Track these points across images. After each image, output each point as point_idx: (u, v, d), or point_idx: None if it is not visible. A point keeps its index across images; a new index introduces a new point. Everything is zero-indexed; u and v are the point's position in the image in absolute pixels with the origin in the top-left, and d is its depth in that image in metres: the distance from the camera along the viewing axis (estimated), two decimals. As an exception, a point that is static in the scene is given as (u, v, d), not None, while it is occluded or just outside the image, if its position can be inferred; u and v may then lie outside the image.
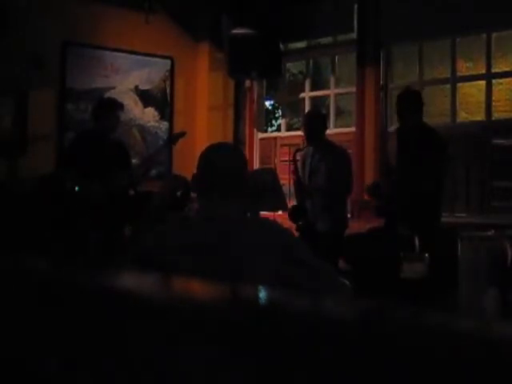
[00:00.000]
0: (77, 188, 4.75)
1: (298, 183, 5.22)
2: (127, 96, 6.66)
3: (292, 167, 5.40)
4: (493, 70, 5.89)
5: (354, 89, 6.65)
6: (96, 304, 0.61)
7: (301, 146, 5.61)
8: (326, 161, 5.10)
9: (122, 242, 4.58)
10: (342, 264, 4.71)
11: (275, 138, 7.64)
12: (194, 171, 2.15)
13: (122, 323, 0.57)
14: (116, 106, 5.15)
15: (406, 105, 4.66)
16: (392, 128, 6.28)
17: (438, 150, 4.56)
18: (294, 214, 5.17)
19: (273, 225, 2.15)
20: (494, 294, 3.20)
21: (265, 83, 7.64)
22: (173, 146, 5.58)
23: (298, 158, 5.31)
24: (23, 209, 5.11)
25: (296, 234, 5.09)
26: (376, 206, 4.96)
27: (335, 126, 7.05)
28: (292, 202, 5.55)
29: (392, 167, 4.90)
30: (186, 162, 5.72)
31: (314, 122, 5.17)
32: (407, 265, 2.95)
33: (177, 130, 7.14)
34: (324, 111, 6.83)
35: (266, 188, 5.00)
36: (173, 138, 5.45)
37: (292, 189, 6.39)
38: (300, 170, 5.26)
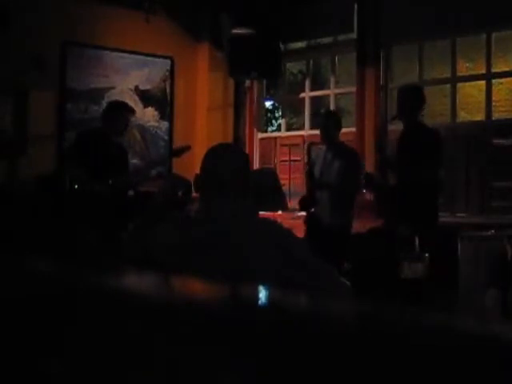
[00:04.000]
0: (76, 186, 4.75)
1: (310, 175, 5.28)
2: (127, 96, 6.66)
3: (305, 159, 5.46)
4: (493, 70, 5.89)
5: (354, 89, 6.65)
6: (96, 304, 0.61)
7: (315, 140, 5.67)
8: (337, 161, 5.17)
9: (122, 242, 4.58)
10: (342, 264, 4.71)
11: (275, 138, 7.64)
12: (195, 171, 2.15)
13: (122, 323, 0.57)
14: (124, 109, 5.14)
15: (410, 102, 4.64)
16: (392, 127, 6.28)
17: (438, 150, 4.56)
18: (304, 203, 5.24)
19: (273, 225, 2.15)
20: (494, 293, 3.20)
21: (265, 83, 7.63)
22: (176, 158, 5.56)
23: (312, 153, 5.37)
24: (23, 209, 5.11)
25: (303, 226, 5.14)
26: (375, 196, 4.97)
27: (335, 126, 7.05)
28: (292, 202, 5.57)
29: (390, 159, 4.88)
30: (186, 162, 5.72)
31: (329, 122, 5.27)
32: (407, 265, 2.95)
33: (177, 129, 7.15)
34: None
35: (266, 188, 5.01)
36: (176, 151, 5.41)
37: (292, 189, 6.39)
38: (312, 166, 5.32)
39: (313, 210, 5.19)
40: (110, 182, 4.86)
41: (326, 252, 2.13)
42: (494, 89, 5.92)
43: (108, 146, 5.02)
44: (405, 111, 4.64)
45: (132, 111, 5.29)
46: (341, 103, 7.86)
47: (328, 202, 5.13)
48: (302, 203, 5.29)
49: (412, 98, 4.65)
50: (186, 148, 5.19)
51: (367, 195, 5.60)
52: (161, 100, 7.07)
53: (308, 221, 5.22)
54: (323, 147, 5.32)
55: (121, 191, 4.97)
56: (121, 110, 5.11)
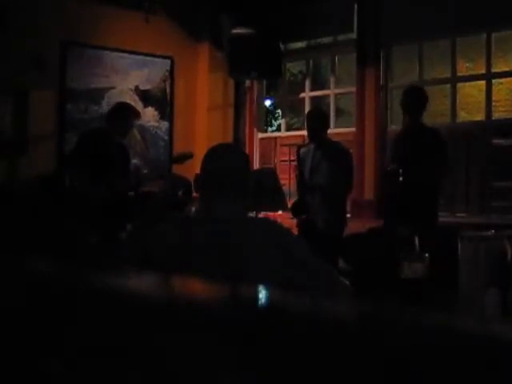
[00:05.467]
0: (76, 187, 4.74)
1: (300, 179, 5.25)
2: (127, 96, 6.66)
3: (295, 163, 5.45)
4: (493, 70, 5.89)
5: (354, 89, 6.65)
6: (96, 304, 0.61)
7: (304, 143, 5.65)
8: (326, 159, 5.13)
9: (122, 242, 4.58)
10: (342, 264, 4.71)
11: (275, 138, 7.64)
12: (195, 171, 2.16)
13: (122, 323, 0.57)
14: (131, 112, 5.11)
15: (414, 103, 4.66)
16: (392, 127, 6.28)
17: (440, 150, 4.57)
18: (296, 209, 5.21)
19: (273, 225, 2.15)
20: (494, 293, 3.20)
21: (265, 83, 7.63)
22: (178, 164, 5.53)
23: (301, 154, 5.34)
24: (23, 209, 5.11)
25: (296, 230, 5.13)
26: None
27: (335, 126, 7.05)
28: (292, 202, 5.56)
29: (394, 168, 4.87)
30: (186, 162, 5.72)
31: (316, 121, 5.22)
32: (407, 265, 2.95)
33: (177, 129, 7.14)
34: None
35: (266, 188, 5.01)
36: (177, 158, 5.39)
37: (292, 189, 6.38)
38: (302, 167, 5.29)
39: (303, 217, 5.15)
40: (119, 183, 4.86)
41: (321, 254, 2.13)
42: (494, 89, 5.92)
43: (110, 146, 5.00)
44: (409, 111, 4.66)
45: (138, 115, 5.28)
46: (341, 103, 7.86)
47: (319, 203, 5.10)
48: (294, 209, 5.25)
49: (418, 98, 4.67)
50: (188, 155, 5.16)
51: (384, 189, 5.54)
52: (161, 100, 7.07)
53: (300, 225, 5.18)
54: (311, 146, 5.30)
55: (121, 193, 4.96)
56: (128, 112, 5.09)
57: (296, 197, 5.49)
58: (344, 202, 5.28)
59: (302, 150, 5.36)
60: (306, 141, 5.55)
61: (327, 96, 7.27)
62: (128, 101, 6.14)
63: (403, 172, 4.61)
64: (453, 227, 5.13)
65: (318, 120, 5.24)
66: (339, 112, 7.67)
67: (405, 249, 3.07)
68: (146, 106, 6.92)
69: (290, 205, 5.44)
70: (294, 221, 5.30)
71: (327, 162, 5.13)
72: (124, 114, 5.05)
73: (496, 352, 0.45)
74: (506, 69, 5.92)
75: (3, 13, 5.96)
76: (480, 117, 6.05)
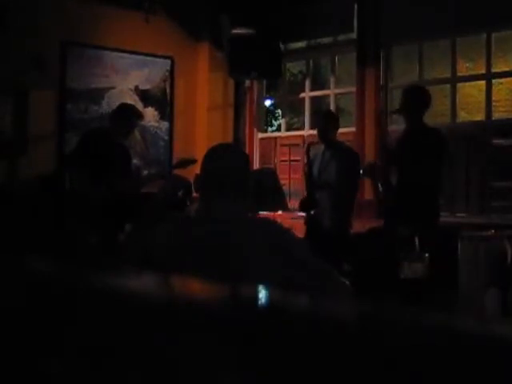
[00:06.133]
0: (76, 188, 4.75)
1: (309, 176, 5.30)
2: (127, 96, 6.66)
3: (304, 160, 5.50)
4: (493, 70, 5.89)
5: (354, 89, 6.65)
6: (96, 304, 0.61)
7: (305, 142, 5.69)
8: (335, 160, 5.18)
9: (121, 243, 4.58)
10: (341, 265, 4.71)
11: (275, 138, 7.64)
12: (195, 171, 2.16)
13: (122, 323, 0.57)
14: (135, 114, 5.12)
15: (414, 103, 4.65)
16: (393, 127, 6.28)
17: (440, 150, 4.56)
18: (305, 205, 5.26)
19: (273, 225, 2.15)
20: (494, 293, 3.20)
21: (265, 83, 7.63)
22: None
23: (310, 153, 5.39)
24: (23, 209, 5.11)
25: (303, 228, 5.16)
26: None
27: (335, 126, 7.05)
28: (292, 202, 5.58)
29: (391, 154, 4.86)
30: (188, 167, 5.71)
31: (323, 121, 5.28)
32: (407, 265, 2.95)
33: (177, 129, 7.14)
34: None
35: (266, 188, 5.01)
36: (178, 164, 5.39)
37: (292, 189, 6.39)
38: (311, 166, 5.33)
39: (312, 212, 5.21)
40: (111, 184, 4.86)
41: (326, 253, 2.13)
42: (494, 89, 5.92)
43: (110, 146, 5.01)
44: (410, 110, 4.65)
45: (141, 115, 5.30)
46: (341, 103, 7.86)
47: (327, 202, 5.15)
48: (302, 205, 5.31)
49: (419, 98, 4.66)
50: (190, 161, 5.15)
51: (368, 192, 5.59)
52: (161, 100, 7.06)
53: (308, 222, 5.24)
54: (321, 146, 5.34)
55: (121, 193, 4.96)
56: (131, 113, 5.10)
57: (298, 196, 5.54)
58: (351, 203, 5.31)
59: (312, 149, 5.41)
60: (311, 141, 5.61)
61: (327, 96, 7.27)
62: (128, 101, 6.14)
63: (403, 172, 4.60)
64: (453, 227, 5.13)
65: (325, 121, 5.31)
66: (339, 112, 7.66)
67: (405, 249, 3.07)
68: (146, 105, 6.92)
69: (289, 204, 5.46)
70: (300, 220, 5.34)
71: (335, 163, 5.18)
72: (127, 114, 5.06)
73: (496, 352, 0.45)
74: (506, 69, 5.92)
75: (3, 13, 5.96)
76: (480, 117, 6.05)
